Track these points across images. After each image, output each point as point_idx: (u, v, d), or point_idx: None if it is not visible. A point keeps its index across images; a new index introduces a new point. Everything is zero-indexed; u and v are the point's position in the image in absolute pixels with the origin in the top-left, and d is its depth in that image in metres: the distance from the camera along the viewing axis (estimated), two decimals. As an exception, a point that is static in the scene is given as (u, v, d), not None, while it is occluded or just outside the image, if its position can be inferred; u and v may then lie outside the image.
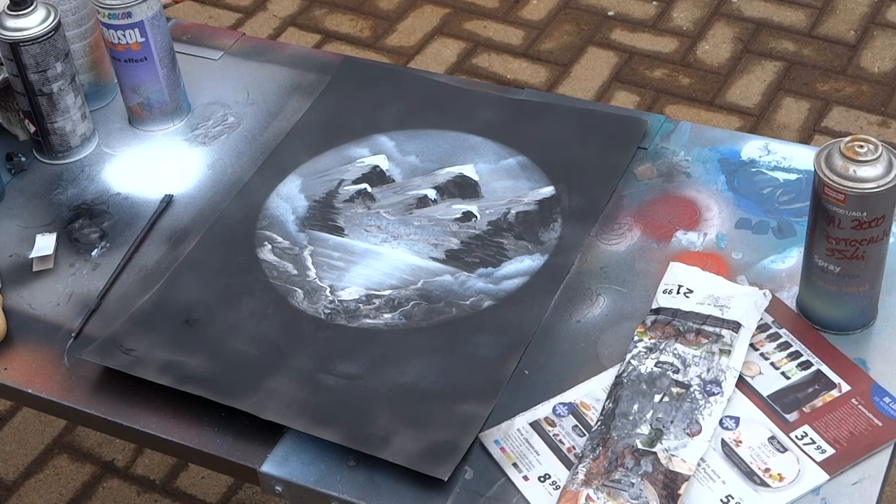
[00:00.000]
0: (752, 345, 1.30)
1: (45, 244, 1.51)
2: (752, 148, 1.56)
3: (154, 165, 1.64)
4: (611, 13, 3.29)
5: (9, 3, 1.55)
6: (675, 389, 1.26)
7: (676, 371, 1.27)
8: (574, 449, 1.23)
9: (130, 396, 1.33)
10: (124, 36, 1.59)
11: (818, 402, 1.25)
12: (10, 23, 1.54)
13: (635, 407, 1.24)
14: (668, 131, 1.59)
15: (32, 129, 1.62)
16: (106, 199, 1.59)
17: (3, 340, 1.41)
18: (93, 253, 1.51)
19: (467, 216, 1.50)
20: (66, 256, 1.51)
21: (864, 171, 1.21)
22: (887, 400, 1.25)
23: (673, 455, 1.20)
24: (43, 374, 1.38)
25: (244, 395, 1.30)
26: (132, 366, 1.34)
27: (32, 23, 1.54)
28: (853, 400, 1.25)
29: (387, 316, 1.39)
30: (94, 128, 1.68)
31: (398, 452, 1.24)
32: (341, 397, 1.30)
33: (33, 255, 1.50)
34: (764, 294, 1.33)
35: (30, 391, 1.37)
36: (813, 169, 1.24)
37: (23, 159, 1.64)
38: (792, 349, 1.30)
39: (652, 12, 3.28)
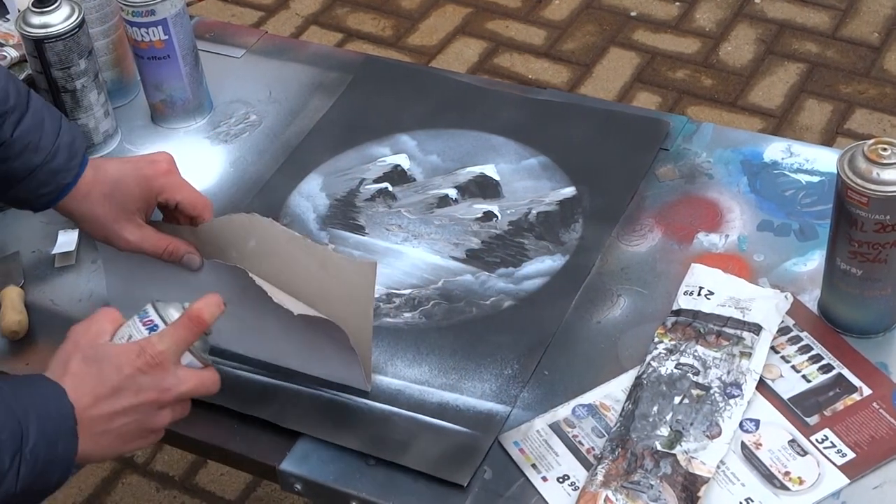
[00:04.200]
0: (772, 347, 1.30)
1: (67, 240, 1.52)
2: (775, 150, 1.55)
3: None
4: (633, 13, 3.28)
5: (34, 1, 1.56)
6: (695, 391, 1.25)
7: (697, 373, 1.27)
8: (593, 450, 1.23)
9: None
10: (147, 33, 1.60)
11: (839, 406, 1.24)
12: (35, 20, 1.55)
13: (655, 408, 1.24)
14: (691, 132, 1.59)
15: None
16: (128, 196, 1.59)
17: (24, 336, 1.41)
18: (115, 249, 1.52)
19: (488, 216, 1.50)
20: (88, 253, 1.52)
21: (888, 174, 1.20)
22: (909, 404, 1.24)
23: (692, 457, 1.20)
24: (64, 369, 1.38)
25: (264, 401, 1.30)
26: None
27: (57, 20, 1.55)
28: (874, 404, 1.24)
29: (407, 315, 1.39)
30: (116, 125, 1.68)
31: (418, 458, 1.24)
32: (361, 400, 1.30)
33: (56, 251, 1.51)
34: (785, 297, 1.33)
35: (51, 387, 1.37)
36: (836, 171, 1.23)
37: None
38: (813, 352, 1.30)
39: (674, 13, 3.27)
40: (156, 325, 1.12)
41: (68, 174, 1.29)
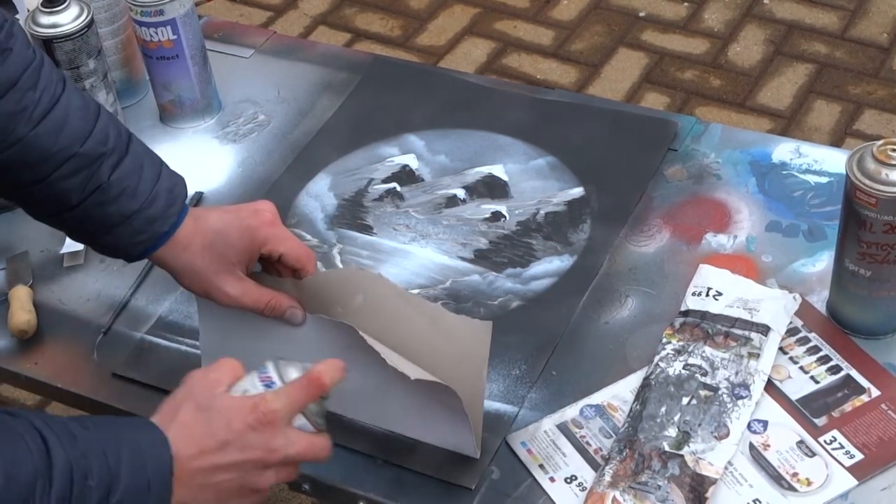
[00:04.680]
0: (781, 348, 1.29)
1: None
2: (783, 150, 1.55)
3: (184, 162, 1.63)
4: (642, 14, 3.28)
5: (42, 0, 1.56)
6: (703, 392, 1.25)
7: (705, 374, 1.27)
8: (601, 451, 1.23)
9: (159, 392, 1.34)
10: (156, 33, 1.60)
11: (847, 407, 1.24)
12: (44, 19, 1.55)
13: (663, 409, 1.24)
14: (699, 133, 1.59)
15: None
16: (136, 196, 1.59)
17: (33, 335, 1.41)
18: (123, 249, 1.52)
19: (496, 216, 1.50)
20: (96, 253, 1.51)
21: (897, 175, 1.20)
22: (917, 405, 1.24)
23: (700, 458, 1.19)
24: (72, 368, 1.39)
25: None
26: (163, 378, 1.34)
27: (66, 19, 1.55)
28: (883, 405, 1.24)
29: (415, 315, 1.39)
30: (125, 125, 1.68)
31: (425, 461, 1.24)
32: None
33: (64, 250, 1.51)
34: (794, 297, 1.33)
35: (59, 385, 1.38)
36: (844, 172, 1.23)
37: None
38: (821, 353, 1.29)
39: (683, 13, 3.27)
40: (273, 383, 1.07)
41: (165, 222, 1.21)
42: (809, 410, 1.24)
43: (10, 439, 0.96)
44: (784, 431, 1.23)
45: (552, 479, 1.21)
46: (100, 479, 0.97)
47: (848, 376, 1.27)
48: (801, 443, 1.22)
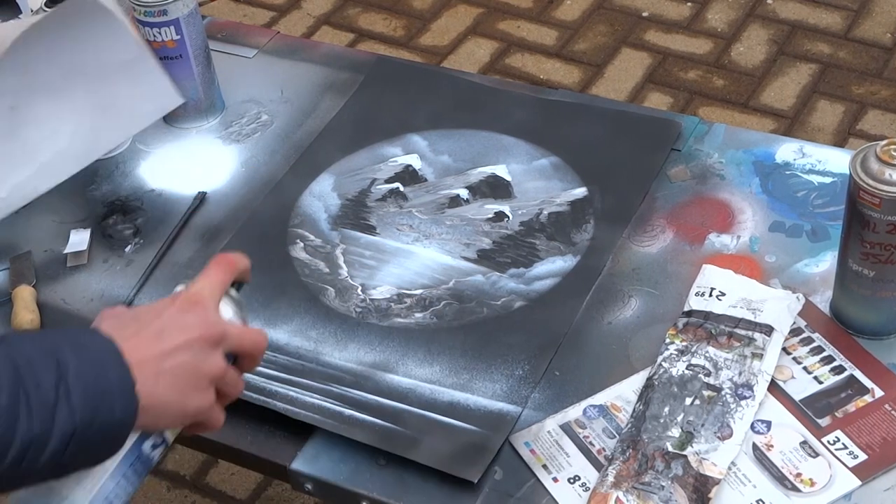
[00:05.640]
0: (784, 349, 1.29)
1: (79, 240, 1.52)
2: (787, 151, 1.55)
3: (188, 162, 1.64)
4: (645, 14, 3.28)
5: (45, 0, 1.56)
6: (706, 392, 1.25)
7: (708, 374, 1.27)
8: (604, 451, 1.23)
9: (162, 392, 1.34)
10: (160, 33, 1.60)
11: (851, 408, 1.24)
12: (47, 19, 1.55)
13: (666, 409, 1.24)
14: (702, 133, 1.59)
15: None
16: (140, 196, 1.59)
17: (36, 335, 1.41)
18: (126, 249, 1.52)
19: (499, 216, 1.50)
20: (99, 252, 1.52)
21: (900, 176, 1.20)
22: (921, 406, 1.24)
23: (703, 458, 1.19)
24: (76, 368, 1.38)
25: (275, 395, 1.31)
26: None
27: (69, 20, 1.55)
28: (886, 405, 1.24)
29: (418, 315, 1.39)
30: (128, 124, 1.68)
31: (428, 454, 1.24)
32: (372, 397, 1.30)
33: (67, 250, 1.51)
34: (797, 298, 1.33)
35: (63, 386, 1.38)
36: (848, 172, 1.23)
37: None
38: (825, 353, 1.29)
39: (686, 13, 3.27)
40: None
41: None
42: (813, 411, 1.24)
43: None
44: (787, 432, 1.23)
45: (555, 480, 1.21)
46: (45, 366, 0.92)
47: (851, 377, 1.27)
48: (804, 443, 1.22)
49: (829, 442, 1.21)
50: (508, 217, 1.50)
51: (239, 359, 1.06)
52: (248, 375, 1.14)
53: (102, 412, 0.93)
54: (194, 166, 1.63)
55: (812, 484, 1.18)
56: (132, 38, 1.14)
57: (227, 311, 1.06)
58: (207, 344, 1.01)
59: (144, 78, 1.15)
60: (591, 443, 1.24)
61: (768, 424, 1.23)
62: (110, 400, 0.94)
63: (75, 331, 1.00)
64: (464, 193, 1.54)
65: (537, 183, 1.54)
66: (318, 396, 1.30)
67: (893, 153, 1.20)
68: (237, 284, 1.09)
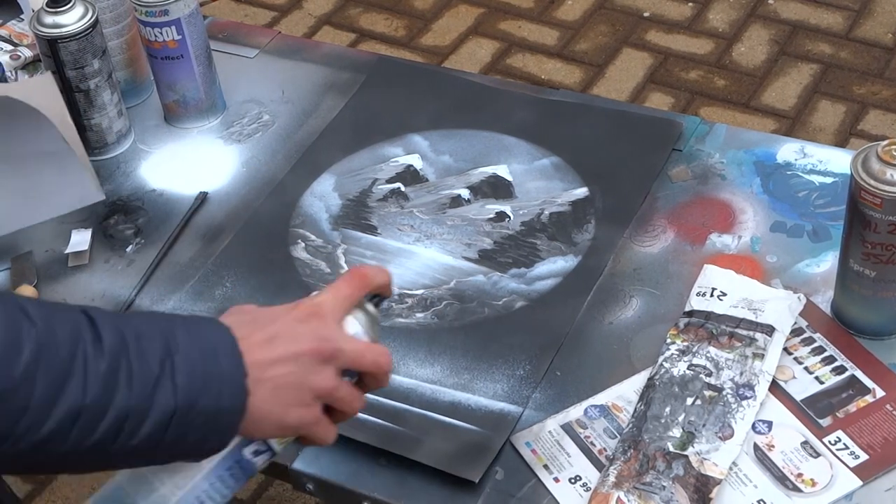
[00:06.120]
0: (785, 349, 1.29)
1: (80, 240, 1.52)
2: (788, 151, 1.55)
3: (189, 162, 1.64)
4: (646, 14, 3.28)
5: (47, 0, 1.56)
6: (707, 393, 1.25)
7: (709, 374, 1.27)
8: (605, 451, 1.23)
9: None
10: (161, 33, 1.60)
11: (852, 408, 1.24)
12: (49, 19, 1.55)
13: (667, 410, 1.24)
14: (703, 133, 1.59)
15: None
16: (141, 196, 1.60)
17: (38, 335, 1.41)
18: (127, 249, 1.52)
19: (500, 216, 1.50)
20: (101, 252, 1.52)
21: (902, 176, 1.20)
22: (922, 406, 1.24)
23: (705, 458, 1.19)
24: (77, 368, 1.38)
25: None
26: None
27: (71, 20, 1.55)
28: (888, 406, 1.24)
29: (419, 315, 1.39)
30: (130, 125, 1.68)
31: (429, 454, 1.24)
32: (373, 397, 1.30)
33: (69, 250, 1.51)
34: (798, 298, 1.33)
35: (64, 386, 1.38)
36: (849, 172, 1.23)
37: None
38: (826, 354, 1.29)
39: (687, 13, 3.26)
40: None
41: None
42: (814, 411, 1.24)
43: (52, 310, 0.89)
44: (788, 432, 1.23)
45: (556, 480, 1.21)
46: (150, 339, 0.90)
47: (853, 377, 1.27)
48: (805, 443, 1.21)
49: (830, 442, 1.21)
50: (509, 217, 1.50)
51: (362, 377, 1.02)
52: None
53: (208, 397, 0.91)
54: (195, 166, 1.63)
55: (813, 484, 1.18)
56: (57, 133, 1.21)
57: (353, 326, 1.02)
58: (317, 358, 0.97)
59: (69, 170, 1.18)
60: (592, 443, 1.24)
61: (769, 424, 1.23)
62: (218, 385, 0.91)
63: (195, 317, 0.98)
64: (465, 193, 1.54)
65: (538, 183, 1.54)
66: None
67: (894, 153, 1.20)
68: (377, 299, 1.05)
